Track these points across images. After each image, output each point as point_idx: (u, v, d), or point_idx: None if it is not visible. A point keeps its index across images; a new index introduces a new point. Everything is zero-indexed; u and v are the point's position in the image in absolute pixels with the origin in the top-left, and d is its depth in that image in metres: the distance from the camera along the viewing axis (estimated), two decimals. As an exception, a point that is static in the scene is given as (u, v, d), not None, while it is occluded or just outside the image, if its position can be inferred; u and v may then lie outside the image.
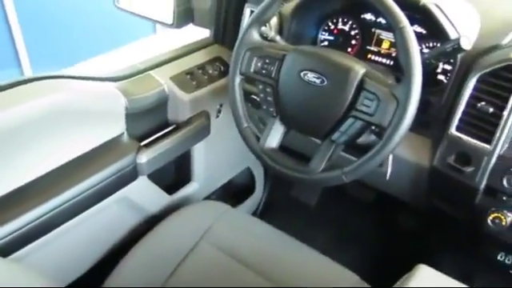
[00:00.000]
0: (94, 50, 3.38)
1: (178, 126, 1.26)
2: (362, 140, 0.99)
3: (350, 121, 0.91)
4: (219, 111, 1.36)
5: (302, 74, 0.95)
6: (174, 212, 1.22)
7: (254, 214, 1.79)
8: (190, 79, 1.27)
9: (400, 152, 1.09)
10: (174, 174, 1.43)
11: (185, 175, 1.41)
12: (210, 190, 1.55)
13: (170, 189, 1.36)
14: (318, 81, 0.93)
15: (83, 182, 1.04)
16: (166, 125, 1.28)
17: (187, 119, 1.27)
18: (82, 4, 3.25)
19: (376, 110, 0.88)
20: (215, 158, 1.46)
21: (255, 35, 1.02)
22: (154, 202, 1.31)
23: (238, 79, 1.04)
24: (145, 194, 1.26)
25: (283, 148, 1.04)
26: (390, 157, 1.07)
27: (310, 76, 0.94)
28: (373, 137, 1.00)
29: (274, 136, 1.03)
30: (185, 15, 1.35)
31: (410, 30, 0.85)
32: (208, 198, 1.55)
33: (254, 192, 1.73)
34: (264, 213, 1.82)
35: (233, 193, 1.70)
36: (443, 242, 1.41)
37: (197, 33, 1.44)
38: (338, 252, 1.54)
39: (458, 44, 0.90)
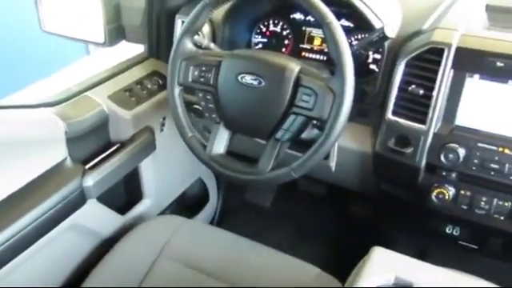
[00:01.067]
0: (24, 81, 3.21)
1: (123, 145, 1.24)
2: (306, 135, 1.01)
3: (291, 118, 0.94)
4: (163, 125, 1.35)
5: (239, 77, 0.96)
6: (129, 232, 1.20)
7: (211, 223, 1.79)
8: (128, 96, 1.26)
9: (343, 143, 1.13)
10: (125, 194, 1.40)
11: (136, 193, 1.39)
12: (164, 205, 1.53)
13: (122, 209, 1.34)
14: (255, 82, 0.95)
15: (29, 213, 1.00)
16: (110, 145, 1.25)
17: (131, 137, 1.25)
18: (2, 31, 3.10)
19: (315, 104, 0.90)
20: (165, 172, 1.45)
21: (189, 45, 1.03)
22: (107, 224, 1.28)
23: (177, 90, 1.04)
24: (96, 218, 1.23)
25: (231, 153, 1.05)
26: (335, 149, 1.11)
27: (248, 78, 0.95)
28: (316, 131, 1.03)
29: (220, 142, 1.03)
30: (116, 33, 1.33)
31: (337, 25, 0.88)
32: (162, 213, 1.53)
33: (209, 201, 1.73)
34: (221, 220, 1.81)
35: (187, 205, 1.68)
36: (395, 223, 1.46)
37: (131, 49, 1.43)
38: (298, 248, 1.57)
39: (383, 33, 0.95)
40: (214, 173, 1.43)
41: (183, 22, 1.24)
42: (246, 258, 1.13)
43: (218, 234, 1.22)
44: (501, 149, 0.96)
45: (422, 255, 1.32)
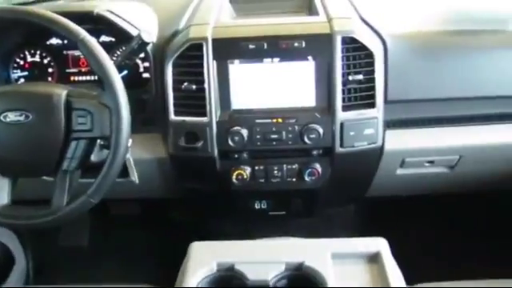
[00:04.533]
0: None
1: None
2: (96, 158, 0.98)
3: (73, 144, 0.89)
4: None
5: (1, 117, 0.87)
6: None
7: (27, 282, 1.59)
8: None
9: (139, 155, 1.11)
10: None
11: None
12: None
13: None
14: (22, 118, 0.87)
15: None
16: None
17: None
18: None
19: (92, 124, 0.87)
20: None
21: None
22: None
23: None
24: None
25: (21, 201, 0.95)
26: (132, 163, 1.09)
27: (12, 116, 0.87)
28: (105, 150, 1.00)
29: (1, 192, 0.93)
30: None
31: (91, 39, 0.86)
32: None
33: (15, 262, 1.53)
34: (38, 276, 1.63)
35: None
36: (214, 215, 1.51)
37: None
38: (130, 274, 1.51)
39: (141, 39, 0.96)
40: (5, 227, 1.27)
41: None
42: None
43: None
44: (275, 120, 1.06)
45: (245, 235, 1.39)
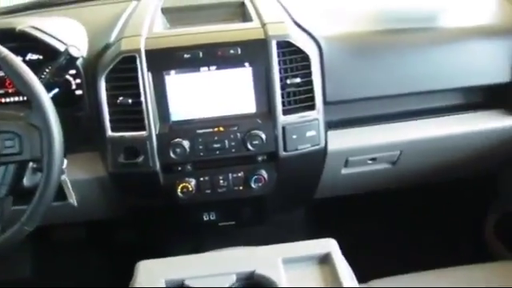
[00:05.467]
0: None
1: None
2: (29, 183, 0.92)
3: (1, 170, 0.84)
4: None
5: None
6: None
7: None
8: None
9: (76, 176, 1.07)
10: None
11: None
12: None
13: None
14: None
15: None
16: None
17: None
18: None
19: (21, 146, 0.83)
20: None
21: None
22: None
23: None
24: None
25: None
26: (68, 184, 1.04)
27: None
28: (39, 174, 0.94)
29: None
30: None
31: (13, 57, 0.82)
32: None
33: None
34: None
35: None
36: (163, 232, 1.47)
37: None
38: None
39: (69, 54, 0.92)
40: None
41: None
42: None
43: None
44: (216, 129, 1.04)
45: (197, 250, 1.36)
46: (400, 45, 1.13)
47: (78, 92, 1.12)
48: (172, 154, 1.03)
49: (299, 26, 1.10)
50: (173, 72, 1.02)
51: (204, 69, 1.02)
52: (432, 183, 1.47)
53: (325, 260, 0.82)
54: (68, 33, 1.05)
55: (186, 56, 1.01)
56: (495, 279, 1.05)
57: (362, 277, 1.03)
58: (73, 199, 1.04)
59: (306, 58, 1.04)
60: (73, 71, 1.06)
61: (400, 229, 1.68)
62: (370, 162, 1.22)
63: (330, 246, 0.83)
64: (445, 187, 1.55)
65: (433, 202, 1.71)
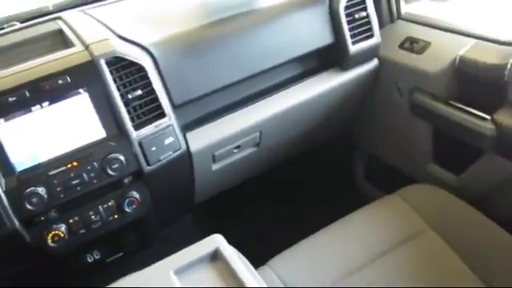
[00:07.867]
0: None
1: None
2: None
3: None
4: None
5: None
6: None
7: None
8: None
9: None
10: None
11: None
12: None
13: None
14: None
15: None
16: None
17: None
18: None
19: None
20: None
21: None
22: None
23: None
24: None
25: None
26: None
27: None
28: None
29: None
30: None
31: None
32: None
33: None
34: None
35: None
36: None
37: None
38: None
39: None
40: None
41: None
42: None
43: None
44: (69, 165, 0.98)
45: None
46: (228, 33, 1.15)
47: None
48: (29, 206, 0.94)
49: (125, 39, 1.07)
50: (2, 120, 0.93)
51: (36, 107, 0.94)
52: (298, 154, 1.55)
53: (215, 257, 0.81)
54: None
55: (10, 99, 0.92)
56: (380, 214, 1.19)
57: (260, 260, 1.06)
58: None
59: (140, 68, 1.02)
60: None
61: (284, 204, 1.75)
62: (235, 150, 1.24)
63: (217, 241, 0.83)
64: (310, 155, 1.65)
65: (304, 173, 1.81)
